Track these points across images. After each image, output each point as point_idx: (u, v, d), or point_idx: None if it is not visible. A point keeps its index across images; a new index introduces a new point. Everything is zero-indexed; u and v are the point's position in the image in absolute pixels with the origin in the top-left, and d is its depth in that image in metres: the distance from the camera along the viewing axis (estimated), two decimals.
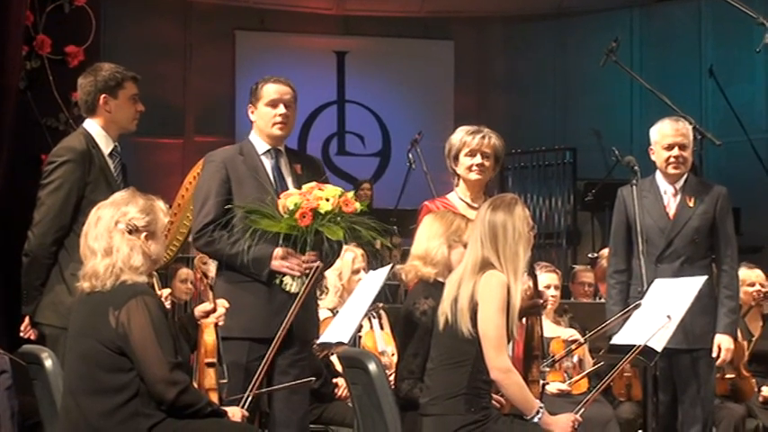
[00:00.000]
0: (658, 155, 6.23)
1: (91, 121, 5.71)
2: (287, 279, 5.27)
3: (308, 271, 5.27)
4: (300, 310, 5.31)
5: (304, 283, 5.27)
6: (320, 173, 5.65)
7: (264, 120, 5.55)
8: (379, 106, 15.66)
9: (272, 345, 5.10)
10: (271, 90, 5.55)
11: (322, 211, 5.16)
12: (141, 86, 5.80)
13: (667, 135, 6.19)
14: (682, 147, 6.18)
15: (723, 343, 6.06)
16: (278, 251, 5.27)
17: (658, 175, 6.29)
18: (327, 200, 5.16)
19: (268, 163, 5.55)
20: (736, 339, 6.33)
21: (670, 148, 6.18)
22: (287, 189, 5.39)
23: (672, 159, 6.18)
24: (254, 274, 5.31)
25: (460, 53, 15.84)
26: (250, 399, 4.93)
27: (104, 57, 7.98)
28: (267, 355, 5.09)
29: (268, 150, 5.57)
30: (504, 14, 15.58)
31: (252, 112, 5.61)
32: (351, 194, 5.28)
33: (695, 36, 14.58)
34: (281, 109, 5.53)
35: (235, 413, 4.64)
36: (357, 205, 5.25)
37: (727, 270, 6.19)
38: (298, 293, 5.24)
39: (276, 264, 5.27)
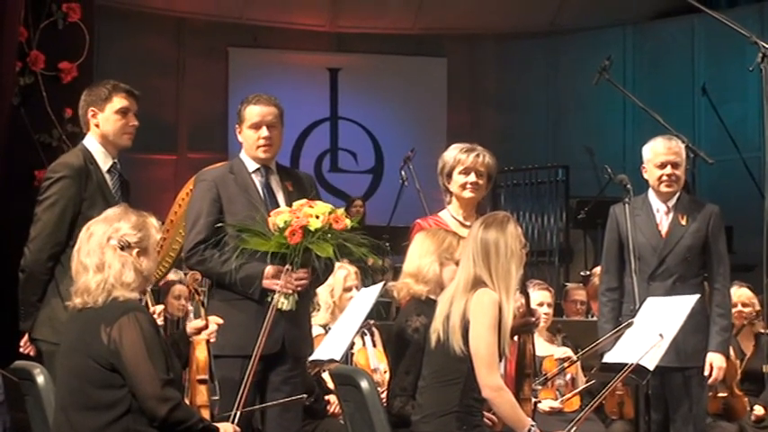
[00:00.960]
0: (651, 173, 6.23)
1: (90, 137, 5.72)
2: (281, 298, 5.25)
3: (299, 288, 5.28)
4: (293, 328, 5.32)
5: (296, 300, 5.27)
6: (312, 190, 5.64)
7: (249, 142, 5.55)
8: (372, 123, 15.67)
9: (254, 357, 5.06)
10: (253, 112, 5.53)
11: (312, 229, 5.14)
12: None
13: (660, 153, 6.20)
14: (674, 165, 6.18)
15: (715, 361, 6.06)
16: (269, 269, 5.27)
17: (651, 194, 6.29)
18: (317, 217, 5.14)
19: (258, 181, 5.54)
20: (728, 358, 6.34)
21: (663, 166, 6.18)
22: (278, 206, 5.38)
23: (664, 178, 6.18)
24: (246, 293, 5.32)
25: (453, 70, 15.86)
26: (239, 414, 4.92)
27: (98, 73, 7.98)
28: (249, 369, 5.05)
29: (258, 168, 5.56)
30: (496, 32, 15.60)
31: (239, 133, 5.61)
32: (341, 211, 5.27)
33: (688, 55, 14.62)
34: (264, 131, 5.51)
35: (227, 429, 4.63)
36: (347, 222, 5.23)
37: (720, 288, 6.19)
38: (290, 311, 5.24)
39: (267, 282, 5.27)
